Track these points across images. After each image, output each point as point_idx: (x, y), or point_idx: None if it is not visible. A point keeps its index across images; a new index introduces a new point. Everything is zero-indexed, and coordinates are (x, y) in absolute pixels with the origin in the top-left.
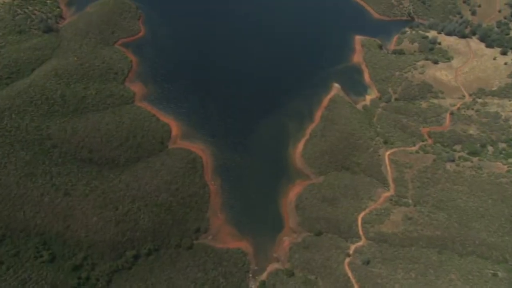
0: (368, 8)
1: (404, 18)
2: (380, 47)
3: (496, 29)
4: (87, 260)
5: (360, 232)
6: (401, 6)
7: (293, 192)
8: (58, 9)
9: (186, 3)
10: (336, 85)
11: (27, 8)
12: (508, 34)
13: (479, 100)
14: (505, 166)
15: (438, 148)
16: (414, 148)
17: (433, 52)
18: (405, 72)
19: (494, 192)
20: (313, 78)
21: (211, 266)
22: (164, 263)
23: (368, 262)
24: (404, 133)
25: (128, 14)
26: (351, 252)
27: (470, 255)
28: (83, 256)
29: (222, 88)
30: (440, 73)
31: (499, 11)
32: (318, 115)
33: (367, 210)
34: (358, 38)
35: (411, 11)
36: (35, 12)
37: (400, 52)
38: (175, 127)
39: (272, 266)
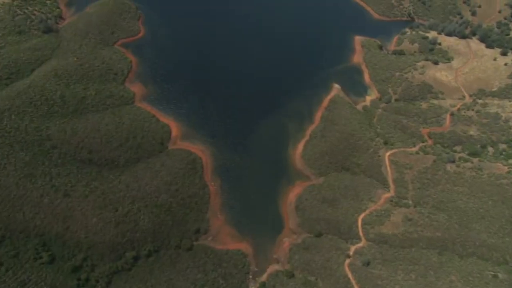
0: (368, 9)
1: (404, 18)
2: (380, 47)
3: (496, 29)
4: (87, 261)
5: (360, 233)
6: (401, 6)
7: (293, 193)
8: (57, 10)
9: (186, 4)
10: (336, 85)
11: (27, 9)
12: (508, 34)
13: (479, 101)
14: (506, 167)
15: (438, 149)
16: (414, 149)
17: (433, 53)
18: (405, 73)
19: (494, 193)
20: (313, 79)
21: (211, 267)
22: (164, 264)
23: (368, 263)
24: (404, 134)
25: (127, 14)
26: (351, 253)
27: (470, 256)
28: (82, 257)
29: (222, 89)
30: (440, 73)
31: (499, 12)
32: (318, 115)
33: (367, 211)
34: (358, 39)
35: (411, 11)
36: (35, 12)
37: (400, 53)
38: (175, 128)
39: (272, 267)
